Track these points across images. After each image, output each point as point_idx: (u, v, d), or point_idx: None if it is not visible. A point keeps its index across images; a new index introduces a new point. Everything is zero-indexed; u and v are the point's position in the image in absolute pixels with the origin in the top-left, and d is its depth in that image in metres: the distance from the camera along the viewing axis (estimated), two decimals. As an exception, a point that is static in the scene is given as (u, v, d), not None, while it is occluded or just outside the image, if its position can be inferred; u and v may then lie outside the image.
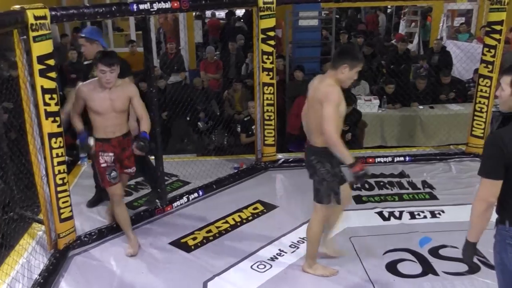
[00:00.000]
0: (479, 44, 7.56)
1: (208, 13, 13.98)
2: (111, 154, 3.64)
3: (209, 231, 4.19)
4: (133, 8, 3.89)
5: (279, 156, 5.54)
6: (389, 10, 14.58)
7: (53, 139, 3.50)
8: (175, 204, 4.55)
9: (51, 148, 3.51)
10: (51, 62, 3.39)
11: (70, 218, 3.79)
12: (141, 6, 3.92)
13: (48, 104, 3.43)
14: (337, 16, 11.18)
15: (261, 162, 5.41)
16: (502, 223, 2.42)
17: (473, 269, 3.51)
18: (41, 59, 3.33)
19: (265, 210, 4.55)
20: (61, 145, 3.57)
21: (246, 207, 4.57)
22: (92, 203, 4.59)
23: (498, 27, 5.09)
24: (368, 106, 6.94)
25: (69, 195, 3.74)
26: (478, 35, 9.68)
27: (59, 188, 3.63)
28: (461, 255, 2.53)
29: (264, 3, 4.89)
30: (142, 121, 3.69)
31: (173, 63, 8.71)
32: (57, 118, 3.50)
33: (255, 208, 4.57)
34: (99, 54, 3.55)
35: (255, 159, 5.47)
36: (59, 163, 3.58)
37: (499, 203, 2.43)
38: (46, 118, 3.44)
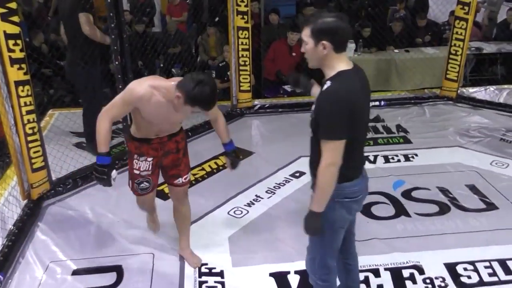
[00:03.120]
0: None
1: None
2: (149, 159, 2.86)
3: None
4: None
5: (255, 102, 5.49)
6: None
7: (20, 87, 3.37)
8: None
9: (19, 96, 3.38)
10: (13, 5, 3.21)
11: (43, 168, 3.72)
12: None
13: (13, 51, 3.28)
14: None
15: (236, 108, 5.37)
16: None
17: (443, 210, 3.62)
18: (2, 1, 3.15)
19: (241, 157, 4.54)
20: (29, 93, 3.44)
21: (222, 154, 4.54)
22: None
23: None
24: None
25: (40, 145, 3.65)
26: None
27: (29, 138, 3.53)
28: (304, 227, 2.26)
29: None
30: (218, 124, 2.95)
31: (144, 7, 8.39)
32: (23, 65, 3.36)
33: (231, 155, 4.56)
34: (205, 97, 2.47)
35: (230, 105, 5.41)
36: (28, 112, 3.47)
37: None
38: (11, 65, 3.30)
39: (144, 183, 2.92)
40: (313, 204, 2.21)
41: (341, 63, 2.16)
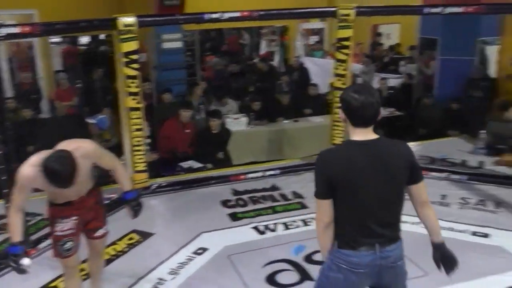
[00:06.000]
0: (333, 59, 8.16)
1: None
2: (74, 218, 2.94)
3: (81, 270, 3.92)
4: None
5: (152, 182, 5.41)
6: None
7: None
8: (41, 246, 4.19)
9: None
10: None
11: None
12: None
13: None
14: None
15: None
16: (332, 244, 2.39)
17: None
18: None
19: (141, 239, 4.39)
20: None
21: (120, 239, 4.37)
22: None
23: (346, 43, 5.54)
24: (237, 124, 7.11)
25: None
26: (330, 52, 10.46)
27: None
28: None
29: (125, 25, 4.79)
30: (118, 174, 3.03)
31: (29, 93, 8.11)
32: None
33: (130, 239, 4.39)
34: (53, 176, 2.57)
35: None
36: None
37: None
38: None
39: (68, 243, 2.95)
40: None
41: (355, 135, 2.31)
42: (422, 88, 8.82)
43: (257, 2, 6.72)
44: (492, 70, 8.15)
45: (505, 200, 4.89)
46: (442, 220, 4.03)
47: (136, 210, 3.14)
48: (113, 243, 4.29)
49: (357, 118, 2.26)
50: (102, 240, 3.20)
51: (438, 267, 2.44)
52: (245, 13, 5.22)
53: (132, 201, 3.13)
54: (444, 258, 2.42)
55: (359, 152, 2.26)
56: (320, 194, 2.29)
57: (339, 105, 2.34)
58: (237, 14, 5.21)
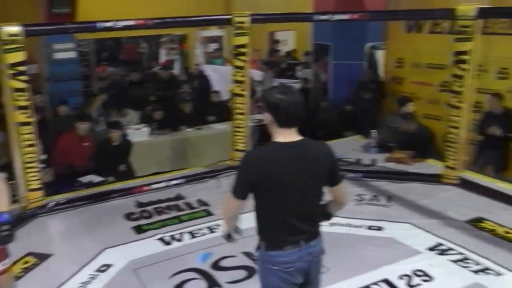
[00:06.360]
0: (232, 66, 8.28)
1: None
2: None
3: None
4: None
5: (48, 200, 5.12)
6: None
7: None
8: None
9: None
10: None
11: None
12: None
13: None
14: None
15: (27, 210, 4.92)
16: (259, 248, 2.51)
17: (251, 273, 3.79)
18: None
19: (38, 262, 4.13)
20: None
21: (14, 263, 4.07)
22: None
23: (243, 50, 5.65)
24: (139, 134, 6.97)
25: None
26: (230, 59, 10.60)
27: None
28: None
29: (10, 35, 4.50)
30: None
31: None
32: None
33: (26, 262, 4.11)
34: None
35: (19, 207, 4.94)
36: None
37: (257, 228, 2.50)
38: None
39: None
40: None
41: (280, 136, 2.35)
42: (319, 92, 9.23)
43: (153, 11, 6.64)
44: (380, 73, 8.74)
45: (396, 194, 5.25)
46: (340, 217, 4.25)
47: (5, 236, 2.77)
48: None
49: (285, 118, 2.33)
50: (6, 275, 2.92)
51: None
52: (140, 22, 5.14)
53: (2, 225, 2.77)
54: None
55: (284, 153, 2.34)
56: (237, 192, 2.36)
57: (264, 108, 2.38)
58: (132, 23, 5.11)
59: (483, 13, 4.91)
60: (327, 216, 2.66)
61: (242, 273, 3.82)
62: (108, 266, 4.00)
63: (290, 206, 2.37)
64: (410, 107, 6.58)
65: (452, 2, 5.22)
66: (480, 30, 5.06)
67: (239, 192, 2.37)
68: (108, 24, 5.02)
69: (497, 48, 6.73)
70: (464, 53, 4.97)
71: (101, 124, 7.21)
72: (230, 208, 2.45)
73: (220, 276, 3.80)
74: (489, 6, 5.37)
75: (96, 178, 5.89)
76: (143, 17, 5.19)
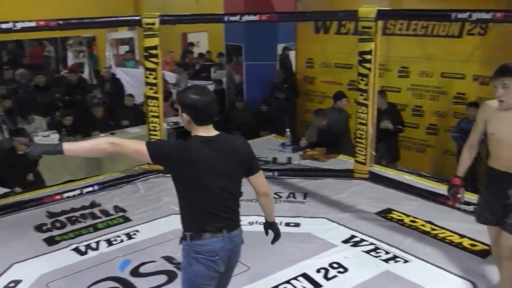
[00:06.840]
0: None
1: None
2: None
3: None
4: None
5: None
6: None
7: None
8: None
9: None
10: None
11: None
12: None
13: None
14: None
15: None
16: (184, 239, 2.56)
17: (171, 277, 3.75)
18: None
19: None
20: None
21: None
22: None
23: (154, 51, 5.56)
24: (47, 141, 6.62)
25: None
26: (142, 61, 10.41)
27: None
28: None
29: None
30: None
31: None
32: None
33: None
34: None
35: None
36: None
37: (181, 220, 2.58)
38: None
39: None
40: None
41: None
42: (234, 92, 9.32)
43: (57, 11, 6.36)
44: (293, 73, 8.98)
45: (311, 191, 5.43)
46: (259, 215, 4.31)
47: None
48: None
49: (203, 117, 2.48)
50: None
51: (267, 234, 2.91)
52: (42, 23, 4.87)
53: None
54: (274, 232, 2.88)
55: (204, 146, 2.46)
56: (151, 146, 2.48)
57: (180, 109, 2.50)
58: (33, 24, 4.83)
59: (382, 15, 5.21)
60: (276, 231, 2.90)
61: (163, 278, 3.76)
62: (17, 282, 3.76)
63: (210, 197, 2.48)
64: (344, 102, 6.81)
65: (357, 4, 5.50)
66: (381, 31, 5.38)
67: (153, 149, 2.47)
68: (4, 26, 4.70)
69: (398, 49, 7.20)
70: (368, 52, 5.24)
71: (5, 133, 6.77)
72: (130, 145, 2.51)
73: (140, 283, 3.72)
74: (388, 8, 5.72)
75: (0, 190, 5.53)
76: (45, 18, 4.93)
